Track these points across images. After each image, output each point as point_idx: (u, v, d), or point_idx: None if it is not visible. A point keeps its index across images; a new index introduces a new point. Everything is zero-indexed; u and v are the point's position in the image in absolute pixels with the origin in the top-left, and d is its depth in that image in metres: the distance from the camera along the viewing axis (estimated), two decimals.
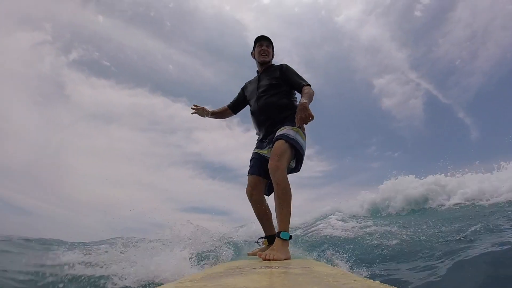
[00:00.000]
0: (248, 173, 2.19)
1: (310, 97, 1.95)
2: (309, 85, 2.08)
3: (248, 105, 2.38)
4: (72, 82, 19.33)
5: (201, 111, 2.42)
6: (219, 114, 2.49)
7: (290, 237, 1.71)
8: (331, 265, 2.77)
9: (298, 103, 2.10)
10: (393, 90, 19.89)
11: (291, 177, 1.93)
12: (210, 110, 2.45)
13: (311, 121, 1.84)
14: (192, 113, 2.43)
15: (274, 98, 2.13)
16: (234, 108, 2.50)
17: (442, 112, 19.13)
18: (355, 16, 21.05)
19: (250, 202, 2.15)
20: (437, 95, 18.78)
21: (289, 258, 1.64)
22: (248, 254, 2.26)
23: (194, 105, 2.41)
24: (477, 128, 17.22)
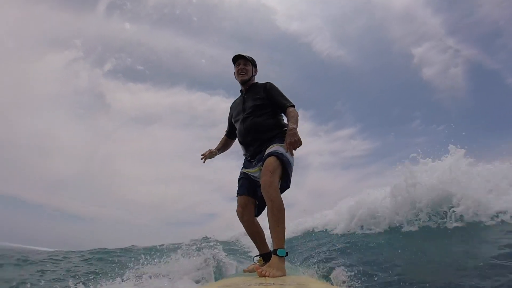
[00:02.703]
0: (237, 193, 2.19)
1: (297, 121, 1.99)
2: (293, 105, 2.12)
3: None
4: (111, 91, 19.87)
5: (210, 155, 2.48)
6: (223, 148, 2.56)
7: (287, 253, 1.71)
8: (328, 282, 2.73)
9: (284, 121, 2.20)
10: (433, 58, 18.58)
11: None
12: (215, 149, 2.52)
13: (299, 147, 1.89)
14: (204, 162, 2.47)
15: (260, 118, 2.14)
16: (231, 134, 2.52)
17: (488, 79, 17.29)
18: None
19: (241, 222, 2.16)
20: (481, 61, 17.10)
21: (285, 275, 1.64)
22: (244, 271, 2.23)
23: (201, 155, 2.47)
24: None
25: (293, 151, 1.91)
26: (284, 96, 2.18)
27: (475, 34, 18.05)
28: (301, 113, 2.19)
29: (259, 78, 2.40)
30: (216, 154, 2.50)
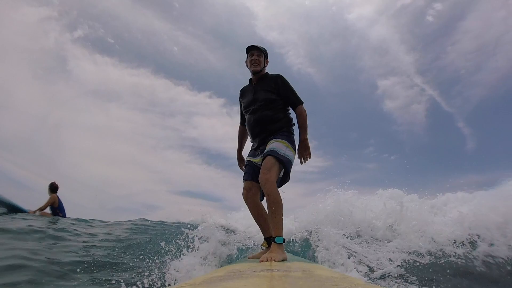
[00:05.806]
0: (243, 179, 2.31)
1: (307, 127, 2.21)
2: (302, 103, 2.26)
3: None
4: (75, 58, 18.99)
5: (242, 163, 2.54)
6: (243, 140, 2.61)
7: (284, 240, 1.87)
8: (333, 267, 2.76)
9: (291, 115, 2.33)
10: (397, 93, 19.78)
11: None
12: (238, 153, 2.60)
13: (309, 159, 2.19)
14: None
15: (270, 112, 2.22)
16: (244, 122, 2.48)
17: (443, 120, 19.21)
18: (366, 15, 20.55)
19: (247, 204, 2.25)
20: (440, 102, 18.73)
21: (285, 259, 1.79)
22: (249, 258, 2.26)
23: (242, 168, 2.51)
24: (474, 140, 17.36)
25: (303, 162, 2.18)
26: (295, 92, 2.29)
27: (439, 77, 19.49)
28: None
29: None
30: (242, 157, 2.59)
